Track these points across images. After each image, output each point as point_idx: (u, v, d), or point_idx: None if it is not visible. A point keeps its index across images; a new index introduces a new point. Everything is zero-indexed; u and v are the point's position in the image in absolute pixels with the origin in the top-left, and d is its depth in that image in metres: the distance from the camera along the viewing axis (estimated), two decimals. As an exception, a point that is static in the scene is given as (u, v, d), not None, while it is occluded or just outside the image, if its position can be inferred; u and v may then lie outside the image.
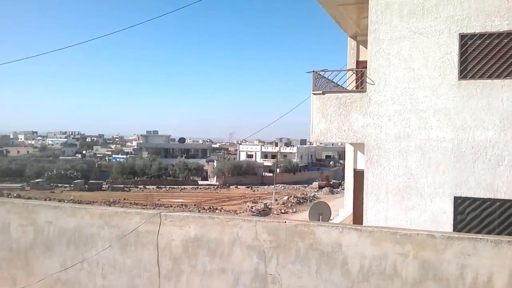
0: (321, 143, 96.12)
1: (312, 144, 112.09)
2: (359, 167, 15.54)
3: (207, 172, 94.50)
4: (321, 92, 12.15)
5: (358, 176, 14.87)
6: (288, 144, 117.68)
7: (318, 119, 12.13)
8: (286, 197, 65.25)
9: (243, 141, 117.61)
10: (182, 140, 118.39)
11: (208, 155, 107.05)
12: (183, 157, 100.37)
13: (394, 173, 11.27)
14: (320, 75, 12.44)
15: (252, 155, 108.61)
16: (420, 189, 11.06)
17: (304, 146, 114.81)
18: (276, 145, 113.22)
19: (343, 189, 25.30)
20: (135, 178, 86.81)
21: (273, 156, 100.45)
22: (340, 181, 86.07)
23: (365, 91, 11.69)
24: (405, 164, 11.20)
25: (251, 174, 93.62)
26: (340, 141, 12.15)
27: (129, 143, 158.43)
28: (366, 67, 11.93)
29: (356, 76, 13.25)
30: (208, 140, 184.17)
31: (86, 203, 58.90)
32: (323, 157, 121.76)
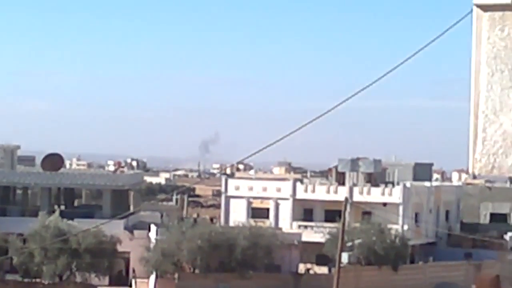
0: (487, 181, 72.79)
1: (461, 180, 73.36)
2: None
3: (128, 260, 54.39)
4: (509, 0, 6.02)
5: None
6: (377, 179, 61.98)
7: (496, 94, 5.58)
8: None
9: (238, 165, 68.97)
10: (51, 161, 62.55)
11: (132, 205, 62.52)
12: (56, 212, 57.20)
13: None
14: None
15: (267, 209, 60.76)
16: None
17: (429, 185, 62.27)
18: (341, 180, 59.68)
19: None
20: None
21: (330, 213, 56.19)
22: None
23: None
24: None
25: (261, 269, 53.44)
26: None
27: None
28: None
29: None
30: (133, 162, 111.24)
31: None
32: (484, 220, 67.64)
